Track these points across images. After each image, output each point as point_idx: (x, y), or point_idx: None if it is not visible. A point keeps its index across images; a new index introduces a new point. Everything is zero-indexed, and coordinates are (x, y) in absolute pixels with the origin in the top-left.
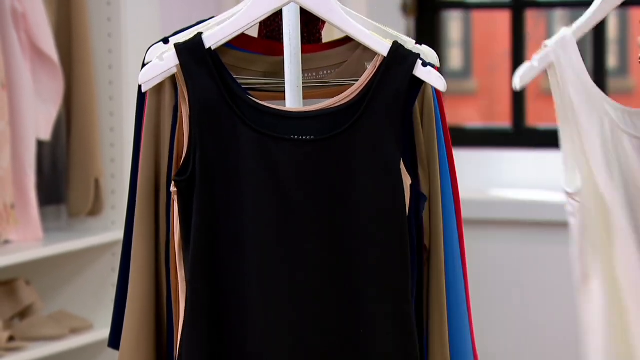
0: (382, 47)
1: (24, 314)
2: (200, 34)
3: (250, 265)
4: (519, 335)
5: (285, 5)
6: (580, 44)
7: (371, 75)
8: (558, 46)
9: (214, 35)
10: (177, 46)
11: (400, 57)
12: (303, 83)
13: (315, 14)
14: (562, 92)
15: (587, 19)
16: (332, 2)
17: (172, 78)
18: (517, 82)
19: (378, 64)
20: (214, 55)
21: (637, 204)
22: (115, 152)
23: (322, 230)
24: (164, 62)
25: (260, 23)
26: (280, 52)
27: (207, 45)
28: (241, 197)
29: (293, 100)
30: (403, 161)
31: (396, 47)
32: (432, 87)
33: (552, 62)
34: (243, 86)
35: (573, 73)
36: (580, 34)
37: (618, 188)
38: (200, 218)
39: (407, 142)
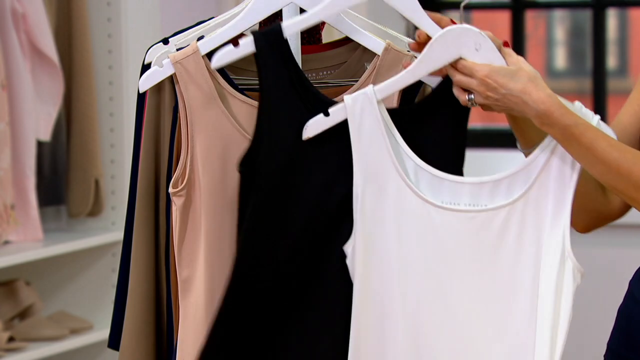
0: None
1: (24, 314)
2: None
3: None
4: None
5: (284, 5)
6: (580, 44)
7: (368, 77)
8: (356, 102)
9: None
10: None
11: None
12: None
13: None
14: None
15: (391, 82)
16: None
17: (171, 78)
18: (306, 132)
19: (377, 65)
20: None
21: None
22: (115, 153)
23: None
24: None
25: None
26: None
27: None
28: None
29: None
30: None
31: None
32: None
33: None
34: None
35: (370, 133)
36: (380, 95)
37: None
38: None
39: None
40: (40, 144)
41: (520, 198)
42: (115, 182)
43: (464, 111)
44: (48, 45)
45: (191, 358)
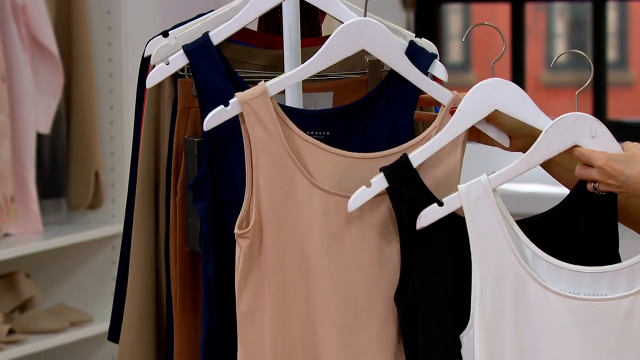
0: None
1: (24, 307)
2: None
3: None
4: None
5: None
6: (580, 37)
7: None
8: (470, 191)
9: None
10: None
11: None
12: None
13: (317, 6)
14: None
15: (505, 171)
16: None
17: (172, 76)
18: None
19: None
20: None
21: None
22: (115, 145)
23: None
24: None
25: (260, 16)
26: (280, 46)
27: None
28: None
29: (292, 94)
30: None
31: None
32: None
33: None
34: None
35: (486, 221)
36: (495, 184)
37: None
38: None
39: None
40: (40, 137)
41: None
42: (115, 174)
43: (611, 201)
44: (48, 37)
45: None
